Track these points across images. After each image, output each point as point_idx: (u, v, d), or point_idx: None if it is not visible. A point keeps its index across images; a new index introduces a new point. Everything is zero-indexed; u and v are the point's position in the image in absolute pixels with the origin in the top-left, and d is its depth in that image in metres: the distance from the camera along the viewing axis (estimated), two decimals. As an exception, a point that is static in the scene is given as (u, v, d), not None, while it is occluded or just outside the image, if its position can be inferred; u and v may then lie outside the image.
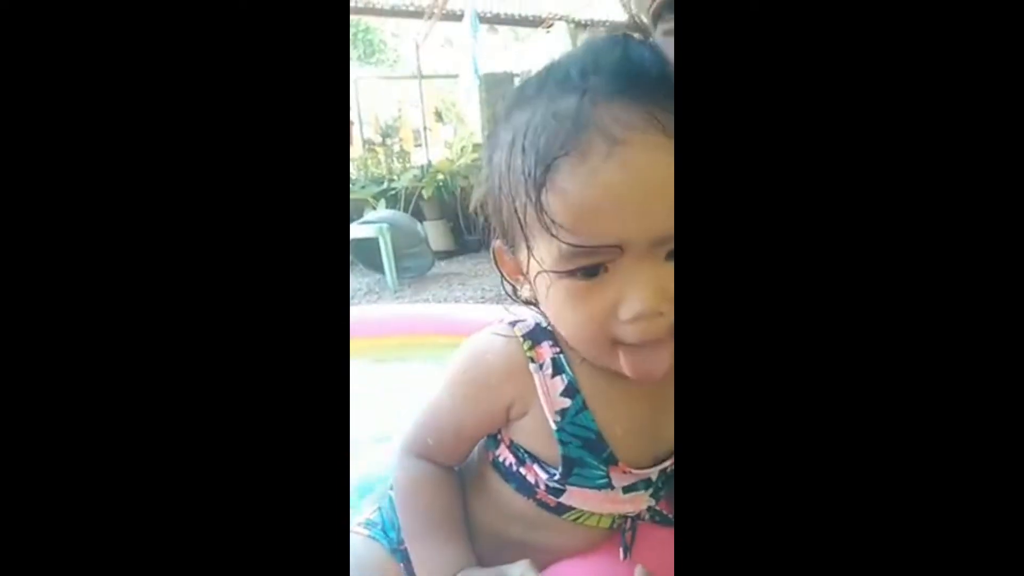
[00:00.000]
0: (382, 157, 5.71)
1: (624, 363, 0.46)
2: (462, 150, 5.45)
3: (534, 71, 0.48)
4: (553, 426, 0.52)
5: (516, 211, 0.44)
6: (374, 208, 4.64)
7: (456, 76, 5.50)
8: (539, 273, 0.45)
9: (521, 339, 0.53)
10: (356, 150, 5.90)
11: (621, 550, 0.56)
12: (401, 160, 5.62)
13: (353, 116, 6.31)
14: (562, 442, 0.53)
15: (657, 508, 0.59)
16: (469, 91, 5.20)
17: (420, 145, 5.95)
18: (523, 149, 0.43)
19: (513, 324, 0.54)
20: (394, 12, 5.70)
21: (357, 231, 3.72)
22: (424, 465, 0.57)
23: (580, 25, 5.34)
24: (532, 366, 0.52)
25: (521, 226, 0.44)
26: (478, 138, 5.52)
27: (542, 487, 0.55)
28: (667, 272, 0.43)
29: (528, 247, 0.45)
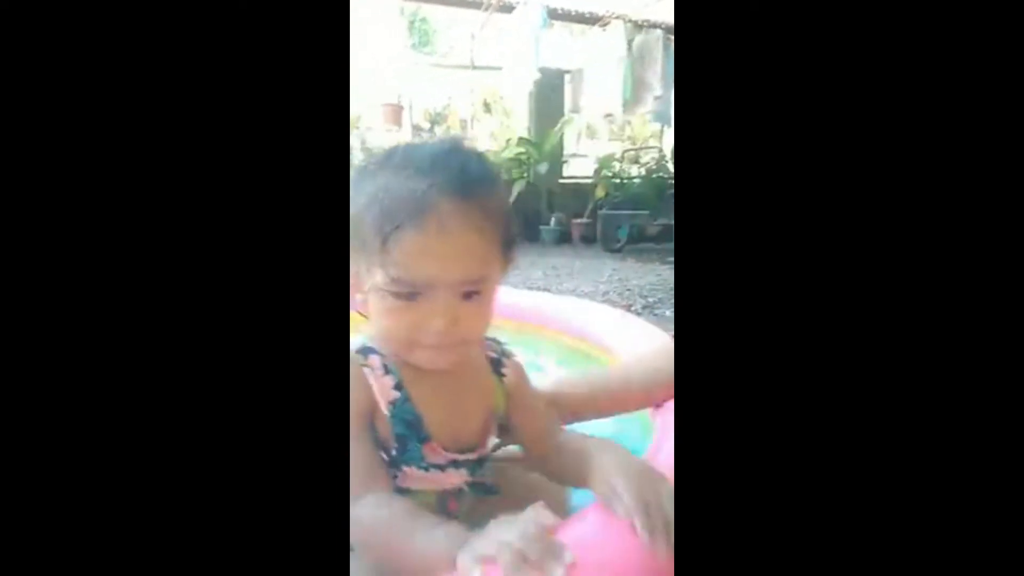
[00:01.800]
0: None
1: (419, 358, 0.67)
2: (507, 142, 5.49)
3: (407, 145, 0.68)
4: (387, 413, 0.68)
5: (367, 242, 0.62)
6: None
7: (500, 69, 5.53)
8: (372, 288, 0.64)
9: (356, 355, 0.70)
10: (405, 135, 6.00)
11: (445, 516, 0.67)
12: (447, 148, 5.67)
13: (404, 102, 6.42)
14: (393, 424, 0.69)
15: (478, 482, 0.75)
16: (525, 84, 5.23)
17: (466, 135, 6.00)
18: (382, 205, 0.62)
19: (352, 350, 0.71)
20: (451, 1, 5.77)
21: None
22: (365, 499, 0.62)
23: (637, 25, 5.32)
24: (366, 370, 0.69)
25: (367, 251, 0.62)
26: (523, 131, 5.55)
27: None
28: (462, 304, 0.63)
29: (368, 268, 0.63)
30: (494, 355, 0.78)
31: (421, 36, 11.35)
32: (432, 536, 0.56)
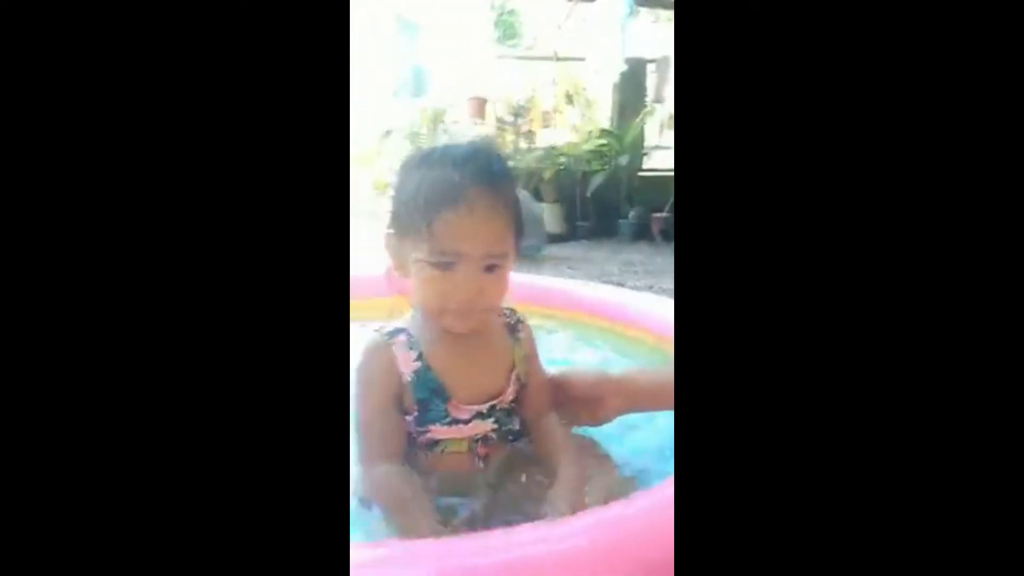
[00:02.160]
0: (510, 136, 5.86)
1: (449, 322, 0.83)
2: (589, 134, 5.47)
3: (440, 144, 0.88)
4: (409, 380, 0.85)
5: (413, 224, 0.80)
6: (497, 184, 4.79)
7: (583, 60, 5.50)
8: (415, 261, 0.81)
9: (384, 336, 0.87)
10: (489, 128, 6.10)
11: (478, 461, 0.88)
12: (528, 140, 5.74)
13: (488, 95, 6.52)
14: (416, 390, 0.85)
15: (503, 429, 0.90)
16: (610, 75, 5.19)
17: (548, 127, 6.03)
18: (425, 193, 0.79)
19: (378, 330, 0.89)
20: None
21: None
22: (381, 466, 0.82)
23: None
24: (394, 348, 0.86)
25: (414, 231, 0.80)
26: (606, 123, 5.51)
27: (412, 433, 0.87)
28: (485, 276, 0.80)
29: (413, 243, 0.81)
30: (510, 321, 0.95)
31: (507, 29, 11.43)
32: (419, 506, 0.74)
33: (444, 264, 0.79)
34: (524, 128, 5.95)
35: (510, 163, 0.91)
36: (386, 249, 0.88)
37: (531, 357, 0.94)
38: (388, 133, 5.80)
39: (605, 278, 3.24)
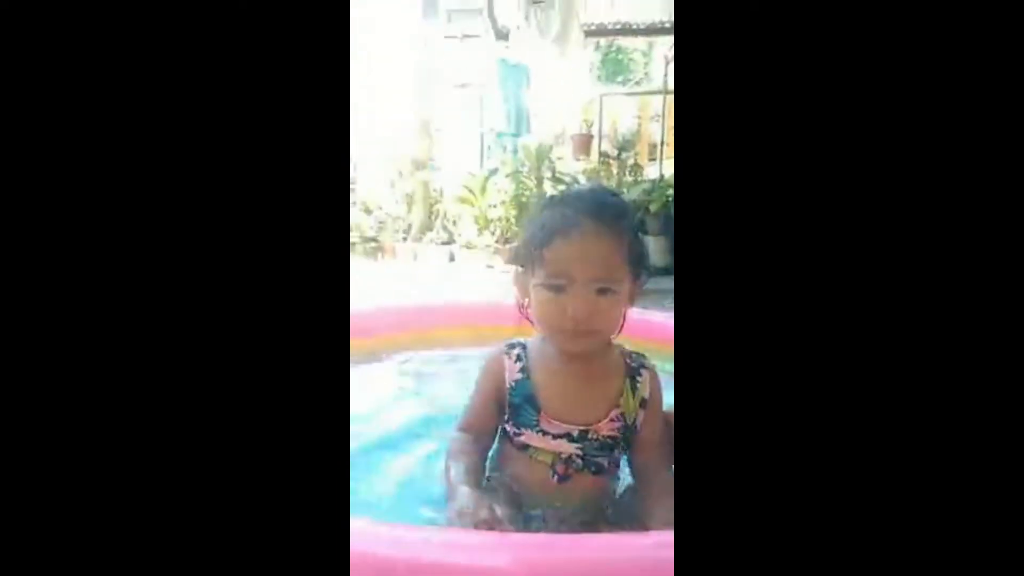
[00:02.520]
0: (615, 170, 5.75)
1: (561, 341, 0.92)
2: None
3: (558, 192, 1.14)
4: (509, 386, 0.96)
5: (531, 255, 0.91)
6: (599, 219, 4.69)
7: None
8: (534, 286, 0.91)
9: (503, 347, 1.00)
10: (592, 163, 6.05)
11: (553, 476, 0.94)
12: (633, 173, 5.60)
13: (594, 131, 6.50)
14: (513, 396, 0.96)
15: (589, 458, 0.94)
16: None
17: (655, 160, 5.87)
18: (543, 229, 0.90)
19: (503, 344, 1.02)
20: (648, 30, 5.73)
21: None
22: (463, 434, 0.98)
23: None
24: (505, 359, 0.98)
25: (532, 262, 0.91)
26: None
27: (511, 432, 0.97)
28: (598, 299, 0.87)
29: (532, 272, 0.91)
30: (632, 364, 0.98)
31: (616, 66, 11.49)
32: (461, 491, 0.81)
33: (556, 287, 0.87)
34: (630, 162, 5.83)
35: (619, 198, 0.99)
36: (514, 284, 0.99)
37: (651, 405, 0.97)
38: (492, 172, 5.89)
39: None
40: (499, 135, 6.01)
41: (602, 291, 0.86)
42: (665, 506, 0.80)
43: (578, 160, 6.29)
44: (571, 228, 0.86)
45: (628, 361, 0.98)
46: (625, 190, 5.22)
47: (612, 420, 0.94)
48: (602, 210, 0.88)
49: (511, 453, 0.97)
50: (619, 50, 11.14)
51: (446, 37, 6.37)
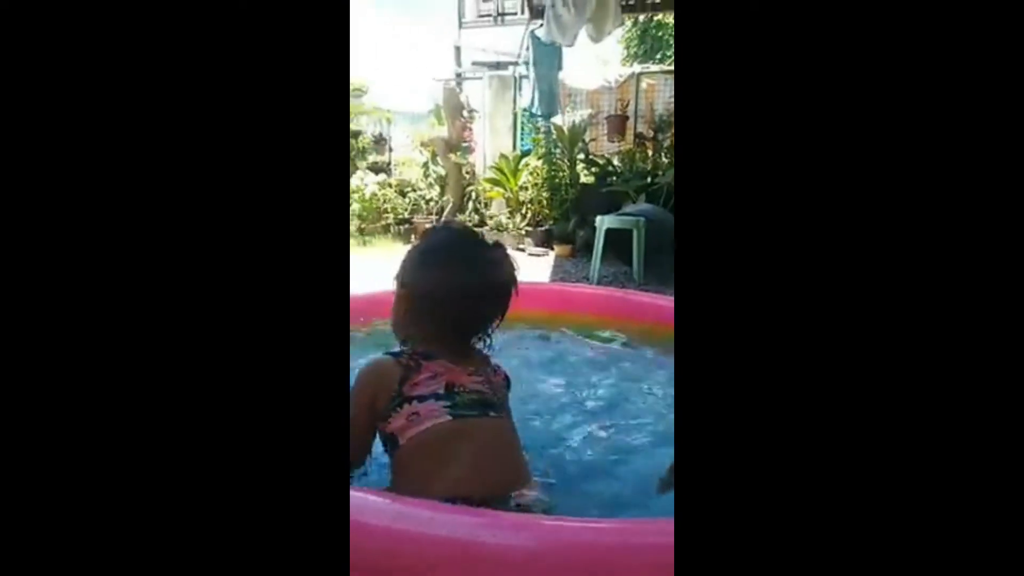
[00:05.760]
0: (650, 152, 5.63)
1: None
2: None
3: None
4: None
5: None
6: (634, 201, 4.61)
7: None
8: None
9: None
10: (627, 144, 5.93)
11: None
12: (669, 155, 5.46)
13: (631, 111, 6.36)
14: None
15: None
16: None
17: (692, 140, 5.71)
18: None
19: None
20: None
21: (613, 222, 3.76)
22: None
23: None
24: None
25: None
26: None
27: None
28: None
29: None
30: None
31: (654, 42, 11.18)
32: None
33: None
34: (667, 143, 5.68)
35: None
36: None
37: None
38: (525, 153, 5.83)
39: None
40: (532, 116, 5.93)
41: None
42: None
43: (612, 142, 6.18)
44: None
45: None
46: (661, 172, 5.10)
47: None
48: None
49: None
50: (659, 25, 10.83)
51: (480, 16, 6.29)
